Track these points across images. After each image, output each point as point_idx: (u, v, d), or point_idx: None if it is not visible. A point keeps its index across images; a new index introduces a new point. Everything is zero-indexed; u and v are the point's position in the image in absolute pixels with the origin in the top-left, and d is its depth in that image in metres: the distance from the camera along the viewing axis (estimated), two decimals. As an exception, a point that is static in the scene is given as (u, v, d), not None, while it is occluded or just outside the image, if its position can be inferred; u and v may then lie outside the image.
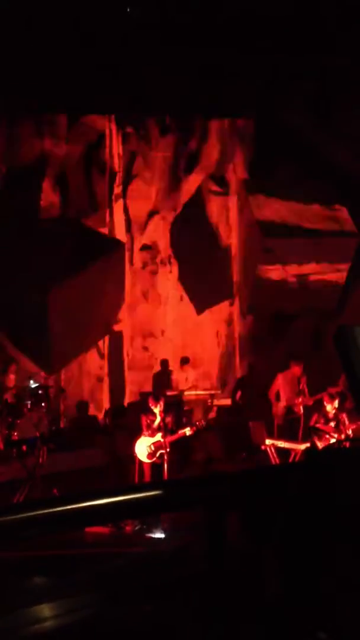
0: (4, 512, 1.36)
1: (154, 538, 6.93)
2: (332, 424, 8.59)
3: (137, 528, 7.19)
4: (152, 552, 6.37)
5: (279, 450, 8.96)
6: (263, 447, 9.09)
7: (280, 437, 9.38)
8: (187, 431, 8.58)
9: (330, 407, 8.74)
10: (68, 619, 1.69)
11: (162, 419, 8.62)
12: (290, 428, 9.87)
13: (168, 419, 8.71)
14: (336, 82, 11.29)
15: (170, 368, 12.35)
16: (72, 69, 10.62)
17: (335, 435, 8.37)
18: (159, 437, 8.52)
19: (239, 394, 12.29)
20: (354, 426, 8.45)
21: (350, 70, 10.84)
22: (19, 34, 9.88)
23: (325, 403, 8.87)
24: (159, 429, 8.57)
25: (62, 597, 1.78)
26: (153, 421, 8.64)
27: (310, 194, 12.65)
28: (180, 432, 8.60)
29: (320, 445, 8.29)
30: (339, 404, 8.69)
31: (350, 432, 8.44)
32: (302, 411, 9.84)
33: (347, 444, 8.13)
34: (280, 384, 10.27)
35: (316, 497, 1.38)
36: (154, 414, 8.67)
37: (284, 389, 10.18)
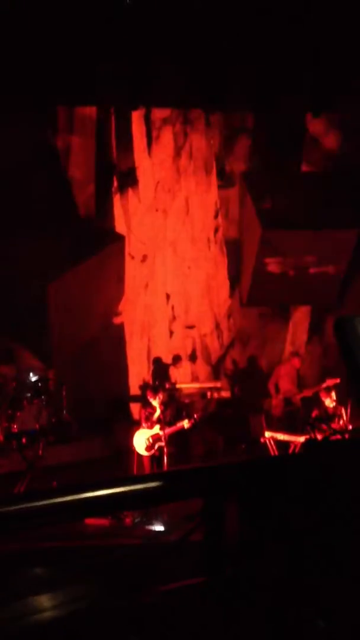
0: (3, 503, 1.36)
1: (154, 530, 6.95)
2: (334, 418, 8.60)
3: (136, 520, 7.21)
4: (151, 543, 6.39)
5: (278, 443, 8.98)
6: (262, 440, 9.12)
7: (279, 430, 9.41)
8: (185, 424, 8.58)
9: (329, 401, 8.76)
10: (67, 609, 1.70)
11: (162, 412, 8.63)
12: (289, 420, 9.89)
13: (167, 412, 8.72)
14: (338, 71, 11.23)
15: (169, 361, 12.36)
16: (72, 59, 10.56)
17: (335, 429, 8.39)
18: (157, 429, 8.53)
19: (238, 386, 12.30)
20: (355, 420, 8.47)
21: (351, 59, 10.79)
22: (17, 23, 9.82)
23: (322, 398, 8.89)
24: (157, 421, 8.58)
25: (61, 588, 1.78)
26: (152, 413, 8.65)
27: (311, 187, 12.62)
28: (179, 424, 8.61)
29: (319, 437, 8.31)
30: (337, 396, 8.71)
31: (349, 425, 8.46)
32: (300, 403, 9.85)
33: (347, 436, 8.15)
34: (280, 376, 10.29)
35: (315, 487, 1.38)
36: (153, 407, 8.68)
37: (283, 381, 10.19)
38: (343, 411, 8.56)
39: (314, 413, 8.85)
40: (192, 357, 12.44)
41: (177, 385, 11.42)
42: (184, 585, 1.70)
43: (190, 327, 12.82)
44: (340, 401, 8.69)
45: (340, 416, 8.57)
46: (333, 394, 8.71)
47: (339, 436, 8.15)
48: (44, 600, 1.69)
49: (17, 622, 1.63)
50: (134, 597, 1.83)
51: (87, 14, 10.06)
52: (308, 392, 9.76)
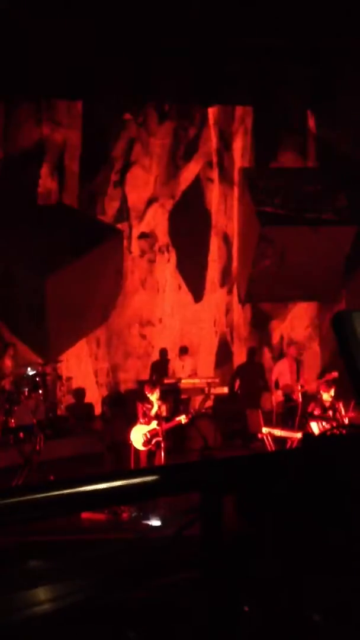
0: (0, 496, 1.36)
1: (150, 524, 6.97)
2: (330, 412, 8.63)
3: (133, 515, 7.23)
4: (148, 537, 6.41)
5: (276, 439, 9.00)
6: (260, 436, 9.13)
7: (278, 426, 9.42)
8: (183, 419, 8.59)
9: (327, 396, 8.77)
10: (63, 603, 1.70)
11: (159, 407, 8.63)
12: (288, 416, 9.90)
13: (164, 407, 8.72)
14: (336, 67, 11.21)
15: (168, 356, 12.36)
16: (72, 54, 10.53)
17: (333, 424, 8.41)
18: (154, 424, 8.53)
19: (237, 382, 12.30)
20: (351, 414, 8.48)
21: (351, 54, 10.76)
22: (19, 17, 9.78)
23: (321, 392, 8.90)
24: (155, 416, 8.58)
25: (57, 581, 1.79)
26: (149, 409, 8.65)
27: (310, 182, 12.60)
28: (176, 419, 8.61)
29: (316, 432, 8.32)
30: (336, 391, 8.72)
31: (346, 420, 8.48)
32: (300, 399, 9.86)
33: (344, 431, 8.15)
34: (279, 372, 10.29)
35: (313, 482, 1.39)
36: (150, 402, 8.68)
37: (283, 377, 10.20)
38: (341, 406, 8.58)
39: (310, 407, 8.87)
40: (190, 353, 12.44)
41: (175, 381, 11.42)
42: (180, 579, 1.70)
43: (188, 322, 12.81)
44: (339, 396, 8.70)
45: (338, 411, 8.58)
46: (332, 390, 8.72)
47: (336, 431, 8.14)
48: (40, 593, 1.70)
49: (12, 615, 1.64)
50: (130, 591, 1.83)
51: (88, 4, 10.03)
52: (308, 387, 9.77)
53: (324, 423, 8.35)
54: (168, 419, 8.64)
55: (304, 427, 8.89)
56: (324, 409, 8.64)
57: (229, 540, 1.46)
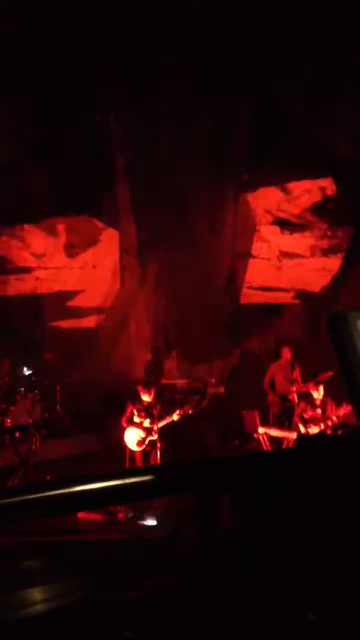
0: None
1: (147, 525, 6.98)
2: (319, 410, 8.64)
3: (129, 515, 7.23)
4: (144, 537, 6.41)
5: (272, 439, 9.00)
6: (256, 436, 9.14)
7: (274, 426, 9.43)
8: (175, 417, 8.56)
9: (317, 394, 8.78)
10: (59, 602, 1.70)
11: (153, 407, 8.61)
12: (284, 417, 9.91)
13: (157, 407, 8.69)
14: (334, 67, 11.22)
15: (163, 356, 12.35)
16: (70, 55, 10.53)
17: (327, 423, 8.43)
18: (147, 424, 8.52)
19: (232, 382, 12.31)
20: (340, 412, 8.50)
21: (350, 55, 10.78)
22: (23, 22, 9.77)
23: (311, 390, 8.92)
24: (148, 416, 8.56)
25: (53, 581, 1.79)
26: (141, 409, 8.62)
27: (306, 183, 12.62)
28: (168, 418, 8.58)
29: (309, 432, 8.35)
30: (325, 390, 8.73)
31: (335, 417, 8.50)
32: (296, 399, 9.87)
33: (339, 432, 8.18)
34: (274, 372, 10.30)
35: (308, 482, 1.39)
36: (144, 402, 8.66)
37: (278, 378, 10.21)
38: (331, 406, 8.59)
39: (301, 406, 8.88)
40: (186, 353, 12.44)
41: (170, 381, 11.42)
42: (176, 579, 1.70)
43: (184, 322, 12.81)
44: (328, 394, 8.71)
45: (328, 409, 8.59)
46: (321, 388, 8.73)
47: (330, 431, 8.18)
48: (36, 593, 1.70)
49: (8, 614, 1.64)
50: (127, 591, 1.83)
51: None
52: (302, 387, 9.78)
53: (315, 423, 8.37)
54: (161, 416, 8.61)
55: (294, 426, 8.92)
56: (315, 407, 8.66)
57: (225, 540, 1.46)
